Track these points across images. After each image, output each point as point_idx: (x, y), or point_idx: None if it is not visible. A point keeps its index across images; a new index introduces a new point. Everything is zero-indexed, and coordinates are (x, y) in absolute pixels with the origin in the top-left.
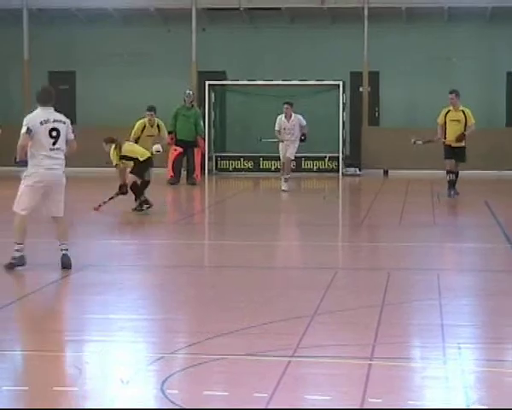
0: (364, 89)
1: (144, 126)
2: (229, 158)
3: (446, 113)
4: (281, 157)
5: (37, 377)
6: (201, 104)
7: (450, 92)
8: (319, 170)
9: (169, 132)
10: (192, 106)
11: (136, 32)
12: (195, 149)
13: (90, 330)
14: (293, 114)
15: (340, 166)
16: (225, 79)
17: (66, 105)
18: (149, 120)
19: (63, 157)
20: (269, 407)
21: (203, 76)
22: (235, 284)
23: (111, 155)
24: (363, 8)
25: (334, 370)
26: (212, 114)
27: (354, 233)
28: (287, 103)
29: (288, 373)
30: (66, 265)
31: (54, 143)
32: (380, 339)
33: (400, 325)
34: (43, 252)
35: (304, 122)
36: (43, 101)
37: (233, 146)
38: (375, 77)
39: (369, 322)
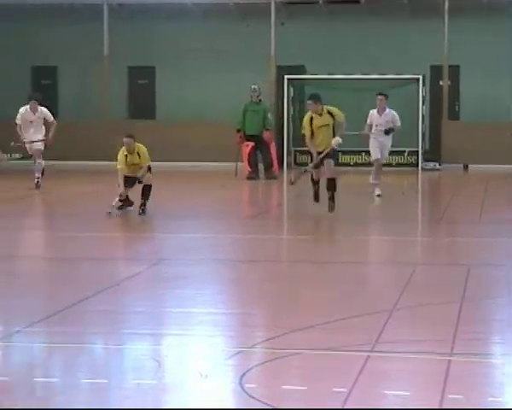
0: (444, 83)
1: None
2: (308, 152)
3: None
4: (372, 156)
5: (116, 371)
6: (280, 99)
7: None
8: (398, 164)
9: (238, 130)
10: (259, 100)
11: (215, 28)
12: (270, 144)
13: (169, 324)
14: (387, 109)
15: (420, 161)
16: (304, 74)
17: (145, 100)
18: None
19: None
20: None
21: (282, 70)
22: (312, 279)
23: (119, 156)
24: (443, 1)
25: (413, 365)
26: (291, 108)
27: (433, 228)
28: (380, 94)
29: (366, 368)
30: None
31: None
32: (459, 335)
33: (480, 321)
34: (117, 245)
35: (398, 122)
36: None
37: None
38: (455, 71)
39: (449, 318)
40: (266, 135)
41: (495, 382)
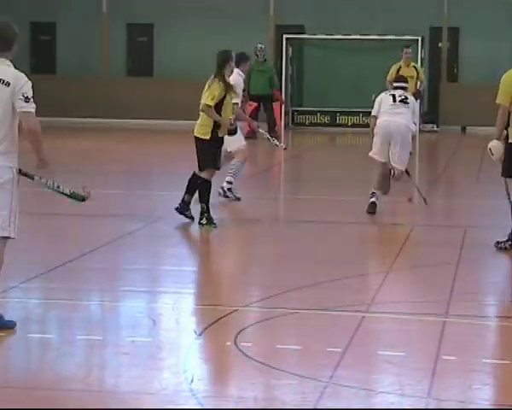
0: (444, 44)
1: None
2: (306, 113)
3: None
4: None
5: (111, 328)
6: (279, 58)
7: None
8: None
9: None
10: (265, 60)
11: None
12: (274, 103)
13: (164, 282)
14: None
15: (418, 123)
16: (303, 33)
17: (143, 57)
18: None
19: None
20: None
21: (280, 29)
22: (310, 239)
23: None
24: None
25: (408, 326)
26: (290, 68)
27: (431, 190)
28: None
29: (361, 328)
30: None
31: None
32: (455, 296)
33: (476, 282)
34: (117, 202)
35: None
36: None
37: (310, 101)
38: (454, 32)
39: (445, 279)
40: (277, 94)
41: (488, 343)
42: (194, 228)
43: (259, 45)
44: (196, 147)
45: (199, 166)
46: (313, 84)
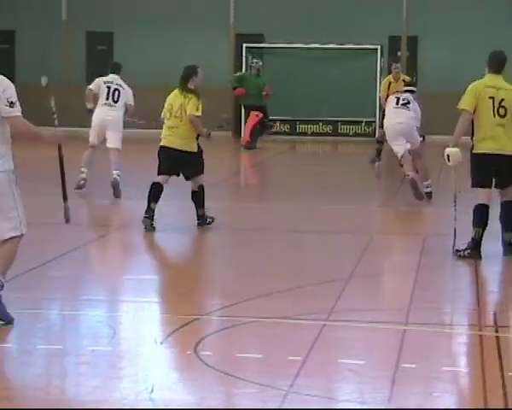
0: (402, 53)
1: None
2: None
3: None
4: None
5: (71, 337)
6: (239, 68)
7: None
8: (355, 134)
9: (234, 88)
10: (258, 74)
11: None
12: (254, 113)
13: (125, 291)
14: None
15: (377, 131)
16: (263, 42)
17: (103, 65)
18: None
19: None
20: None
21: (240, 38)
22: (270, 247)
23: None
24: None
25: (368, 334)
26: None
27: (390, 198)
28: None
29: (322, 337)
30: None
31: None
32: (415, 304)
33: (435, 290)
34: (78, 211)
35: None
36: None
37: (270, 110)
38: (413, 41)
39: (404, 287)
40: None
41: (449, 352)
42: (155, 237)
43: (256, 60)
44: (183, 160)
45: (194, 174)
46: (273, 93)
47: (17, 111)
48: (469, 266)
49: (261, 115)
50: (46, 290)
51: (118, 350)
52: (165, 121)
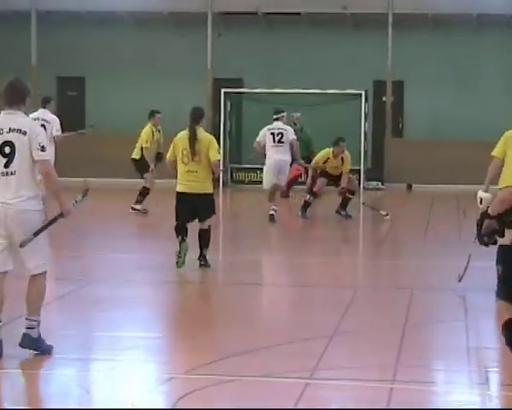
0: (388, 99)
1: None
2: (245, 170)
3: None
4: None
5: (41, 397)
6: (217, 113)
7: None
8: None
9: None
10: (301, 127)
11: (148, 37)
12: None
13: (98, 349)
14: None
15: (362, 180)
16: (242, 87)
17: (75, 112)
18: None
19: (24, 185)
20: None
21: (218, 83)
22: (250, 302)
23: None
24: (387, 15)
25: (353, 393)
26: (228, 123)
27: (376, 250)
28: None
29: (305, 396)
30: (24, 345)
31: (6, 165)
32: (402, 361)
33: (423, 346)
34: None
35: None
36: (6, 100)
37: (245, 156)
38: (399, 86)
39: (391, 343)
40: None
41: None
42: (127, 291)
43: (295, 114)
44: (201, 203)
45: (209, 216)
46: (252, 140)
47: (47, 156)
48: (458, 322)
49: (301, 171)
50: (13, 348)
51: None
52: (181, 166)
